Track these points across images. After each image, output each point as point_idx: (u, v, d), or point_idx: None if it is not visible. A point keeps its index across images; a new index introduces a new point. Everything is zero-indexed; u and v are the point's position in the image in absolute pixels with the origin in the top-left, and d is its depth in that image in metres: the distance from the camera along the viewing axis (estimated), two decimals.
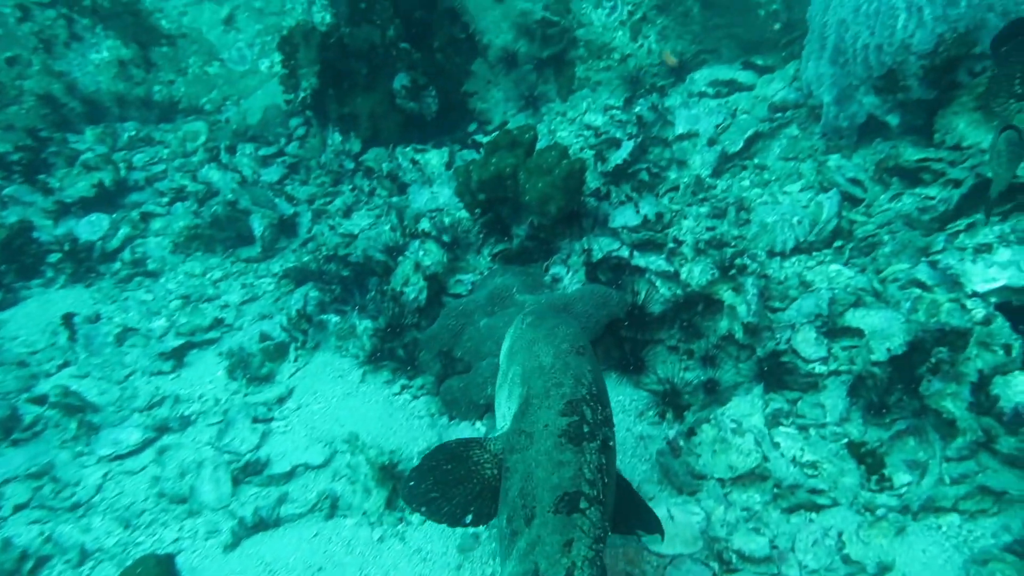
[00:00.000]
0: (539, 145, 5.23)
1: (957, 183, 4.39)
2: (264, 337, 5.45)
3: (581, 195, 5.02)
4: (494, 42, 6.87)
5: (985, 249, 4.09)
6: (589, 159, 5.59)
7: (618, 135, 5.73)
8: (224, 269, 6.41)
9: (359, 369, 5.27)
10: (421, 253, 5.29)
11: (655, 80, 6.58)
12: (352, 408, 5.02)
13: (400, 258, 5.39)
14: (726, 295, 4.48)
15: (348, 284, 5.58)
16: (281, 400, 5.13)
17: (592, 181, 5.41)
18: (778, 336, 4.35)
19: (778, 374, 4.30)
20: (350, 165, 7.00)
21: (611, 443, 2.63)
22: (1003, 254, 3.98)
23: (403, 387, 5.10)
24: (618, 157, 5.44)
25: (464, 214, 5.45)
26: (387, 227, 5.70)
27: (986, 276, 3.86)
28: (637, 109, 5.62)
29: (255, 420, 4.89)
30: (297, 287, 5.87)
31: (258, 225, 6.39)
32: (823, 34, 4.98)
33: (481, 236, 5.39)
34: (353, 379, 5.26)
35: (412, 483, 2.72)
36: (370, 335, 5.19)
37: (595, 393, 2.67)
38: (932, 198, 4.49)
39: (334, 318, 5.50)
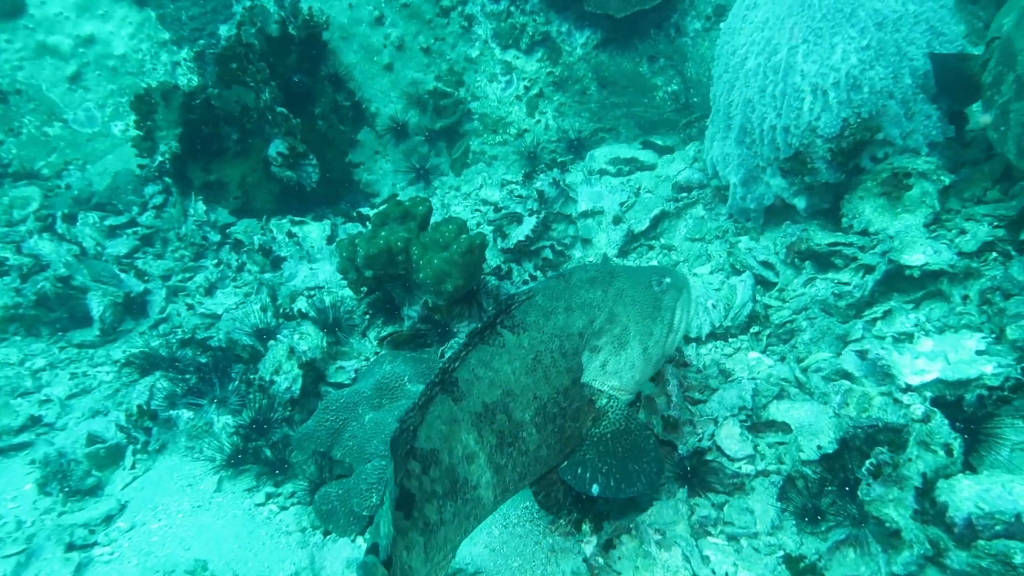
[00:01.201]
0: (434, 219, 4.72)
1: (870, 268, 4.24)
2: (93, 439, 4.44)
3: (481, 273, 4.51)
4: (382, 111, 6.43)
5: (906, 338, 3.89)
6: (489, 235, 5.13)
7: (518, 210, 5.33)
8: (50, 356, 5.32)
9: (214, 475, 4.36)
10: (296, 336, 4.55)
11: (554, 156, 6.32)
12: (202, 526, 4.09)
13: (271, 342, 4.62)
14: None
15: (207, 373, 4.71)
16: (109, 519, 4.12)
17: (493, 258, 4.94)
18: (700, 431, 3.91)
19: (702, 474, 3.84)
20: (216, 237, 6.19)
21: None
22: (926, 344, 3.79)
23: (269, 496, 4.25)
24: (520, 233, 5.02)
25: (348, 293, 4.79)
26: (257, 307, 4.92)
27: (916, 368, 3.63)
28: (538, 184, 5.27)
29: (70, 547, 3.86)
30: (142, 377, 4.91)
31: (97, 304, 5.40)
32: (728, 114, 4.85)
33: (367, 317, 4.73)
34: (206, 488, 4.33)
35: None
36: (230, 433, 4.34)
37: None
38: (847, 283, 4.32)
39: (186, 414, 4.60)
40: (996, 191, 4.22)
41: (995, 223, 4.00)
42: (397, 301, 4.63)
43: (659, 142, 6.12)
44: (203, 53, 6.65)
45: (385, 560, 2.06)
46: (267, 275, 5.63)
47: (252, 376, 4.50)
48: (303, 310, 4.73)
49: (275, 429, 4.32)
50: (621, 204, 5.32)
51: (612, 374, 2.81)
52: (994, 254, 3.89)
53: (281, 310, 4.86)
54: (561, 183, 5.43)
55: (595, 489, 2.75)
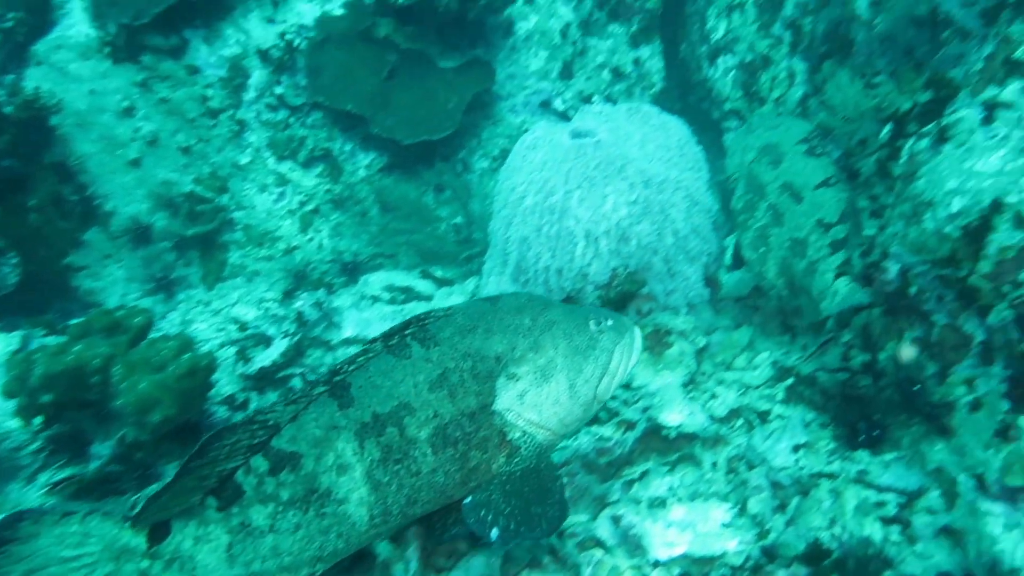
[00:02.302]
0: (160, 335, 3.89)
1: (631, 425, 4.06)
2: None
3: (205, 402, 3.71)
4: (121, 210, 5.55)
5: (660, 503, 3.66)
6: (229, 357, 4.36)
7: (271, 332, 4.65)
8: None
9: None
10: None
11: (325, 277, 5.78)
12: None
13: None
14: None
15: None
16: None
17: (227, 385, 4.15)
18: None
19: None
20: None
21: None
22: (678, 511, 3.56)
23: None
24: (267, 358, 4.32)
25: (16, 423, 3.70)
26: None
27: (667, 539, 3.37)
28: (298, 304, 4.67)
29: None
30: None
31: None
32: (506, 250, 4.68)
33: (43, 455, 3.65)
34: None
35: None
36: None
37: None
38: (608, 439, 4.08)
39: None
40: (743, 358, 4.37)
41: (741, 390, 4.09)
42: (88, 434, 3.64)
43: (439, 273, 5.85)
44: None
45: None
46: None
47: None
48: None
49: None
50: (333, 365, 4.84)
51: (531, 407, 2.60)
52: (741, 420, 3.92)
53: None
54: (326, 306, 4.87)
55: (494, 533, 2.43)
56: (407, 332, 2.50)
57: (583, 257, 4.35)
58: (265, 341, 4.55)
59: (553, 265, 4.42)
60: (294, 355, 4.52)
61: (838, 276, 3.75)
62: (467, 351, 2.51)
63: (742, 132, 5.17)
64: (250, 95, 5.73)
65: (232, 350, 4.54)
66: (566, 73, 6.47)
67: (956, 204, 3.46)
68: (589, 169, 4.38)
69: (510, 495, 2.52)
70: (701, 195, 4.66)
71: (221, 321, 5.10)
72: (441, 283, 5.80)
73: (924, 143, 3.94)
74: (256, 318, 4.88)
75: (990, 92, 3.77)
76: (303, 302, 4.71)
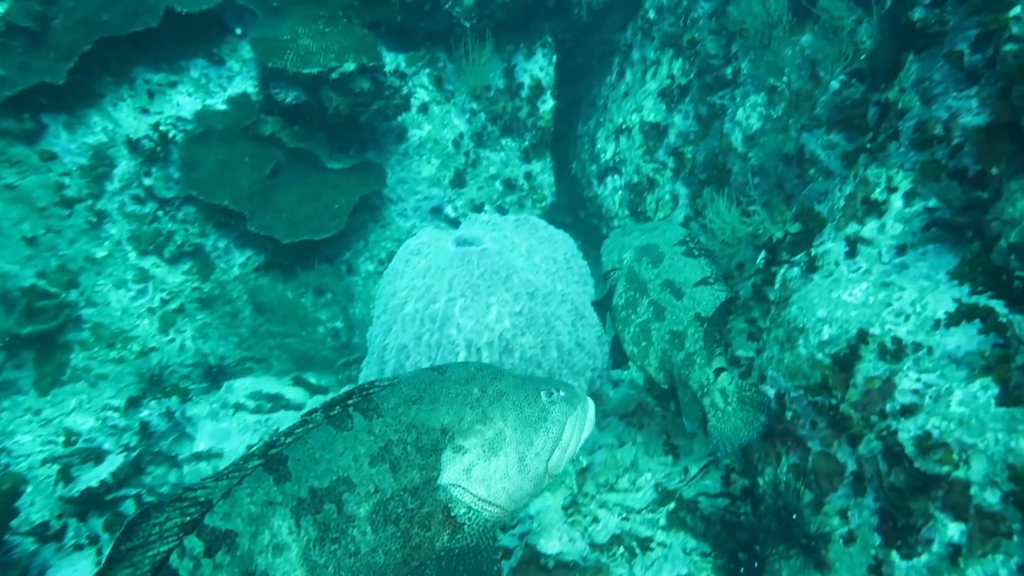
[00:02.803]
0: None
1: (507, 552, 3.81)
2: None
3: (6, 531, 3.14)
4: None
5: None
6: (50, 476, 3.77)
7: (107, 446, 4.10)
8: None
9: None
10: None
11: (183, 382, 5.27)
12: None
13: None
14: None
15: None
16: None
17: (39, 511, 3.56)
18: None
19: None
20: None
21: None
22: None
23: None
24: (94, 477, 3.77)
25: None
26: None
27: None
28: (144, 414, 4.17)
29: None
30: None
31: None
32: (383, 358, 4.43)
33: None
34: None
35: None
36: None
37: None
38: None
39: None
40: (627, 479, 4.26)
41: (623, 514, 3.96)
42: None
43: (313, 380, 5.48)
44: None
45: None
46: None
47: None
48: None
49: None
50: (249, 448, 4.42)
51: (478, 481, 2.49)
52: (622, 548, 3.76)
53: None
54: (178, 415, 4.39)
55: None
56: (349, 402, 2.39)
57: None
58: (97, 457, 4.00)
59: None
60: (130, 473, 3.98)
61: (718, 372, 3.87)
62: (411, 422, 2.42)
63: (618, 233, 5.45)
64: (114, 185, 5.35)
65: (55, 468, 3.95)
66: (458, 181, 6.51)
67: (826, 332, 3.57)
68: (473, 278, 4.28)
69: (444, 573, 2.40)
70: (587, 309, 4.64)
71: (50, 433, 4.47)
72: (315, 390, 5.43)
73: (795, 271, 4.12)
74: (92, 429, 4.31)
75: (852, 228, 4.02)
76: (151, 411, 4.21)
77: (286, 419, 4.96)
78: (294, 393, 5.26)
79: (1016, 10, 2.81)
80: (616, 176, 6.85)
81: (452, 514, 2.47)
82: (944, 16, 3.50)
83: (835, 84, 4.46)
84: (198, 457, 4.29)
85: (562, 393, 2.77)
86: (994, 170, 3.27)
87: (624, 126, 6.79)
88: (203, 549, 2.07)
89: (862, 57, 4.05)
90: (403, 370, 4.29)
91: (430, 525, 2.44)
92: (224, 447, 4.36)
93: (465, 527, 2.46)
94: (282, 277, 5.65)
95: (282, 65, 5.19)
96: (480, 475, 2.48)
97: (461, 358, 4.14)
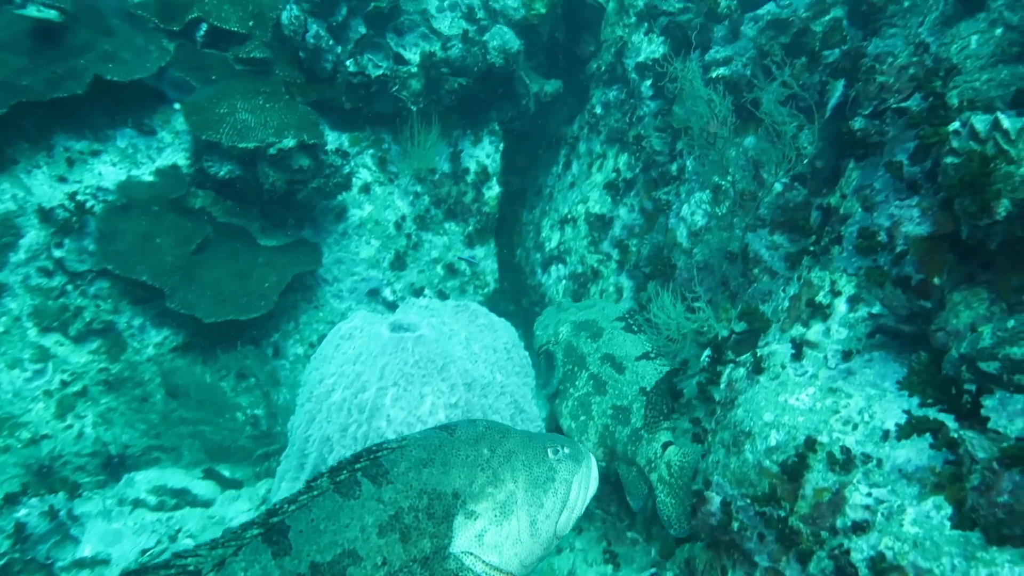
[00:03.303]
0: None
1: None
2: None
3: None
4: None
5: None
6: None
7: None
8: None
9: None
10: None
11: (77, 474, 4.76)
12: None
13: None
14: None
15: None
16: None
17: None
18: None
19: None
20: None
21: None
22: None
23: None
24: None
25: None
26: None
27: None
28: (21, 513, 3.69)
29: None
30: None
31: None
32: (304, 450, 4.10)
33: None
34: None
35: None
36: None
37: None
38: None
39: None
40: None
41: None
42: None
43: (226, 473, 5.04)
44: None
45: None
46: None
47: None
48: None
49: None
50: (143, 552, 3.95)
51: (490, 548, 2.41)
52: None
53: None
54: (64, 514, 3.91)
55: None
56: (357, 467, 2.30)
57: None
58: None
59: None
60: None
61: (665, 447, 3.77)
62: (423, 488, 2.33)
63: (552, 310, 5.43)
64: (19, 256, 4.96)
65: None
66: (398, 264, 6.35)
67: (774, 437, 3.45)
68: (407, 366, 4.05)
69: None
70: (526, 402, 4.44)
71: None
72: (227, 484, 4.98)
73: (741, 372, 4.04)
74: None
75: (797, 330, 3.99)
76: (30, 509, 3.74)
77: (191, 518, 4.51)
78: (203, 487, 4.81)
79: (955, 125, 2.88)
80: (560, 265, 6.80)
81: None
82: (883, 127, 3.60)
83: (778, 186, 4.54)
84: (80, 564, 3.79)
85: (567, 450, 2.71)
86: (936, 280, 3.29)
87: (570, 216, 6.80)
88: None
89: (804, 162, 4.14)
90: (325, 465, 3.97)
91: None
92: (113, 552, 3.88)
93: None
94: (201, 359, 5.28)
95: (217, 138, 5.01)
96: (492, 541, 2.40)
97: None
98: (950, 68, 3.03)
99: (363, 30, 5.96)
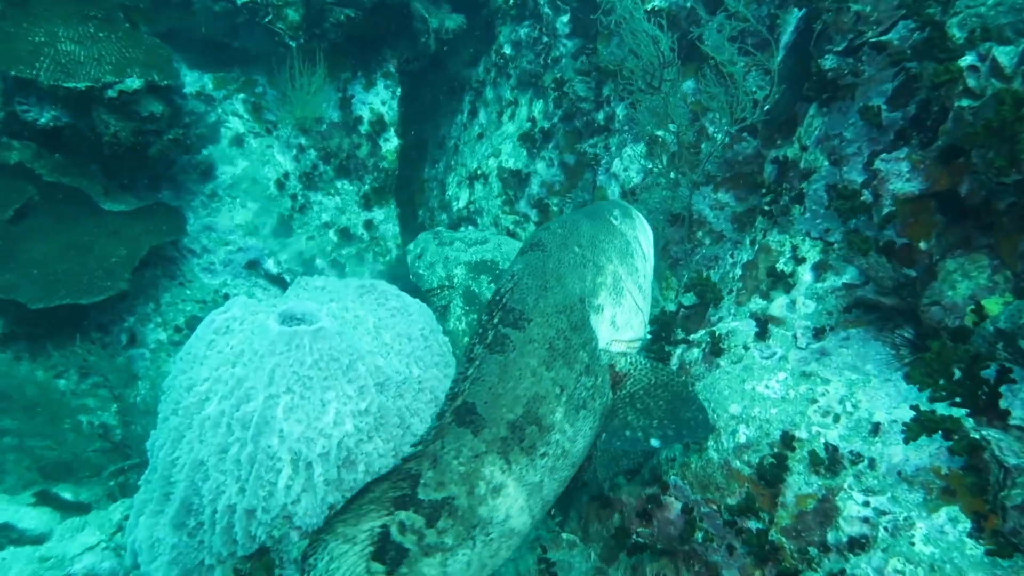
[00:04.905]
0: None
1: None
2: None
3: None
4: None
5: None
6: None
7: None
8: None
9: None
10: None
11: None
12: None
13: None
14: None
15: None
16: None
17: None
18: None
19: None
20: None
21: None
22: None
23: None
24: None
25: None
26: None
27: None
28: None
29: None
30: None
31: None
32: (169, 477, 3.33)
33: None
34: None
35: None
36: None
37: None
38: None
39: None
40: None
41: None
42: None
43: (67, 495, 4.14)
44: None
45: None
46: None
47: None
48: None
49: None
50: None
51: (623, 327, 2.71)
52: None
53: None
54: None
55: (655, 442, 2.59)
56: (495, 323, 2.47)
57: (288, 491, 3.17)
58: None
59: (241, 504, 3.16)
60: None
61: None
62: (556, 309, 2.51)
63: (430, 240, 5.11)
64: None
65: None
66: (283, 230, 5.49)
67: (743, 433, 3.02)
68: (304, 367, 3.32)
69: (646, 412, 2.57)
70: None
71: None
72: (70, 509, 4.09)
73: (696, 353, 3.59)
74: None
75: (757, 303, 3.56)
76: None
77: (16, 560, 3.60)
78: (33, 518, 3.89)
79: (968, 59, 2.44)
80: (471, 228, 6.15)
81: (617, 369, 2.64)
82: (859, 66, 3.16)
83: (724, 137, 4.06)
84: None
85: (619, 211, 2.94)
86: (922, 244, 2.91)
87: (480, 171, 6.14)
88: (425, 522, 2.16)
89: (755, 109, 3.66)
90: (199, 497, 3.21)
91: (605, 390, 2.60)
92: None
93: (632, 373, 2.63)
94: (28, 354, 4.29)
95: (33, 75, 3.96)
96: (622, 321, 2.67)
97: (283, 479, 3.15)
98: None
99: None
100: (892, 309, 2.97)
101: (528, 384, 2.37)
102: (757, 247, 3.74)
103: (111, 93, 4.20)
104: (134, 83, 4.28)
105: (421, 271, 4.92)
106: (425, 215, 6.76)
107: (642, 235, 2.97)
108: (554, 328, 2.46)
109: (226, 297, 5.10)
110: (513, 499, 2.31)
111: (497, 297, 2.56)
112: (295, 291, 4.02)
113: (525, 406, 2.35)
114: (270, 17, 5.27)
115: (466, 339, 4.09)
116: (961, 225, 2.81)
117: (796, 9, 3.77)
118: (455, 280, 4.39)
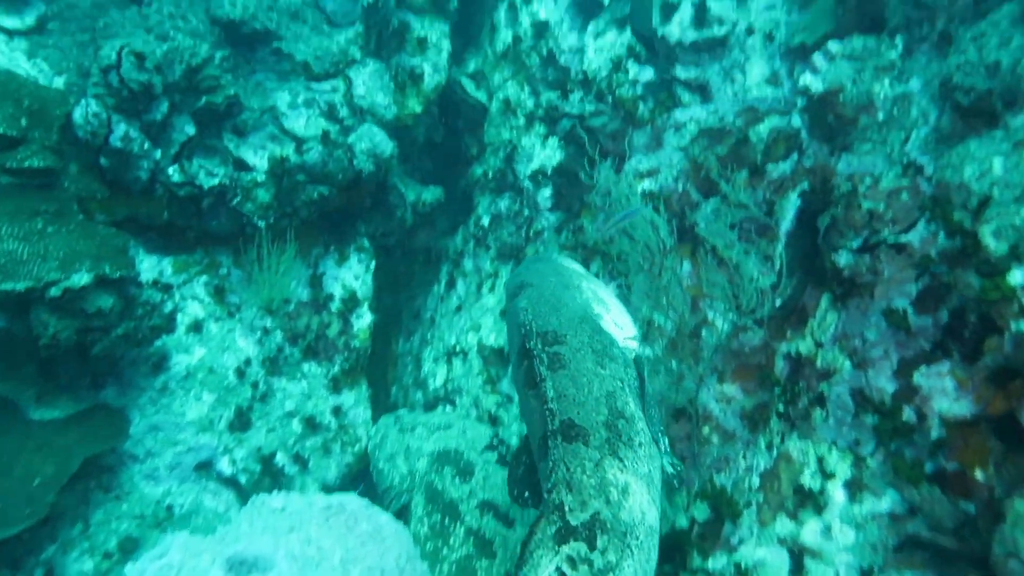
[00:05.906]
0: None
1: None
2: None
3: None
4: None
5: None
6: None
7: None
8: None
9: None
10: None
11: None
12: None
13: None
14: None
15: None
16: None
17: None
18: None
19: None
20: None
21: None
22: None
23: None
24: None
25: None
26: None
27: None
28: None
29: None
30: None
31: None
32: None
33: None
34: None
35: None
36: None
37: None
38: None
39: None
40: None
41: None
42: None
43: None
44: None
45: None
46: None
47: None
48: None
49: None
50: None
51: (625, 325, 2.89)
52: None
53: None
54: None
55: None
56: (541, 348, 2.58)
57: None
58: None
59: None
60: None
61: None
62: (576, 319, 2.74)
63: (391, 425, 4.70)
64: None
65: None
66: (240, 423, 4.99)
67: None
68: None
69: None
70: None
71: None
72: None
73: None
74: None
75: (785, 526, 3.09)
76: None
77: None
78: None
79: (1019, 275, 2.16)
80: (449, 407, 5.70)
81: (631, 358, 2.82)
82: (877, 265, 2.91)
83: (727, 327, 3.76)
84: None
85: (542, 252, 3.67)
86: (979, 474, 2.52)
87: (458, 348, 5.78)
88: (586, 548, 2.16)
89: (772, 302, 3.38)
90: None
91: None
92: None
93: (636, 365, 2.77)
94: None
95: None
96: (620, 320, 2.89)
97: None
98: (983, 200, 2.36)
99: (191, 131, 4.80)
100: (952, 552, 2.53)
101: (598, 384, 2.50)
102: (776, 454, 3.33)
103: (54, 292, 3.83)
104: (81, 279, 3.94)
105: (380, 465, 4.58)
106: (399, 393, 6.31)
107: (567, 262, 3.32)
108: (586, 334, 2.66)
109: (169, 510, 4.51)
110: (640, 494, 2.34)
111: (525, 330, 2.66)
112: (248, 517, 3.47)
113: (607, 404, 2.46)
114: (238, 199, 5.06)
115: (428, 544, 3.61)
116: (1021, 452, 2.44)
117: (793, 195, 3.60)
118: (416, 476, 4.00)
